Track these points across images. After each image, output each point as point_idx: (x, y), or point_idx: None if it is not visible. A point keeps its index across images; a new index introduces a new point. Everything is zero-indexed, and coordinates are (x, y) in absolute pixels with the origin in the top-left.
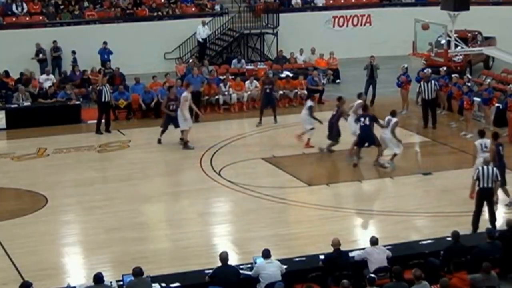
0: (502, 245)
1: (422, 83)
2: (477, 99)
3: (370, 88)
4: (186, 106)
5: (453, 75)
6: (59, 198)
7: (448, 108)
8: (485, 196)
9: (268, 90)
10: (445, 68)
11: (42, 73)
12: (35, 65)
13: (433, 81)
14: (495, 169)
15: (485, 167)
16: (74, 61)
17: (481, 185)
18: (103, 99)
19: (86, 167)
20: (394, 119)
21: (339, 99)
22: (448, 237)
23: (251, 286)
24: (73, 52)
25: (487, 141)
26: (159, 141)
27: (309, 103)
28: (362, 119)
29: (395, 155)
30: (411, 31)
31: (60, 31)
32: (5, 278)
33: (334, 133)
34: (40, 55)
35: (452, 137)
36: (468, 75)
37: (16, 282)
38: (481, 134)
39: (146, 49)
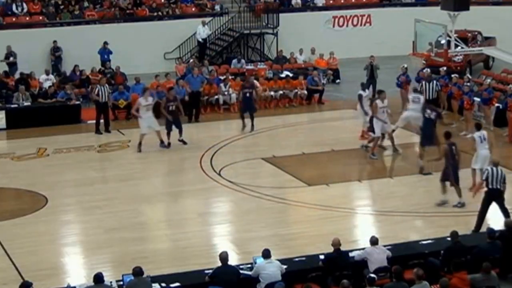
0: (502, 245)
1: (423, 82)
2: (477, 99)
3: (370, 88)
4: (145, 111)
5: (453, 75)
6: (59, 198)
7: (448, 108)
8: (494, 197)
9: (248, 95)
10: (445, 68)
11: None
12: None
13: (435, 81)
14: (503, 170)
15: (494, 168)
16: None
17: (490, 186)
18: (101, 100)
19: (86, 167)
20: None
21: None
22: (448, 237)
23: (251, 286)
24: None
25: (485, 133)
26: (169, 144)
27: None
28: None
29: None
30: (411, 31)
31: (60, 31)
32: (5, 278)
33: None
34: (11, 58)
35: (453, 137)
36: (468, 75)
37: (16, 282)
38: (478, 127)
39: (146, 49)
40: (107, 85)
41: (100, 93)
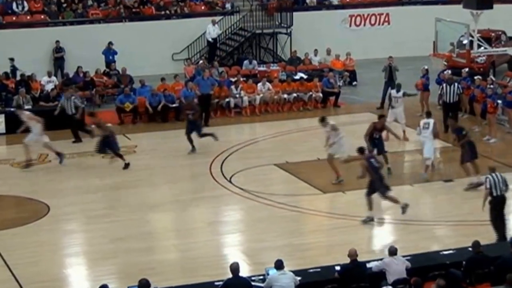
0: None
1: (444, 85)
2: (500, 102)
3: (389, 91)
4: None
5: (475, 77)
6: (62, 206)
7: (470, 111)
8: (501, 204)
9: (190, 117)
10: (467, 69)
11: None
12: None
13: (456, 84)
14: (502, 175)
15: (494, 175)
16: (14, 69)
17: (494, 194)
18: (68, 111)
19: (90, 174)
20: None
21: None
22: (470, 247)
23: None
24: (11, 59)
25: (430, 121)
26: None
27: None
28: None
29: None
30: (432, 30)
31: (62, 31)
32: None
33: None
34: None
35: (475, 142)
36: (492, 76)
37: None
38: (428, 114)
39: (153, 50)
40: (75, 96)
41: (66, 105)
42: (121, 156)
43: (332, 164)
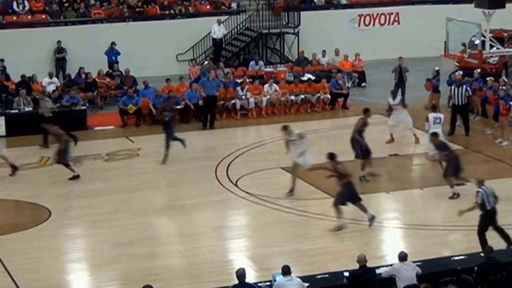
0: None
1: (452, 87)
2: None
3: (399, 92)
4: None
5: (488, 78)
6: (63, 211)
7: (482, 113)
8: (494, 217)
9: (167, 118)
10: (479, 70)
11: None
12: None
13: (464, 86)
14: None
15: (484, 188)
16: (3, 69)
17: (487, 208)
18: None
19: (92, 177)
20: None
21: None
22: (482, 252)
23: None
24: (1, 60)
25: (441, 115)
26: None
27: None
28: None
29: None
30: (443, 30)
31: (64, 31)
32: None
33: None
34: None
35: (486, 144)
36: (504, 77)
37: None
38: (434, 108)
39: (157, 50)
40: (46, 98)
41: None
42: (69, 167)
43: (294, 175)
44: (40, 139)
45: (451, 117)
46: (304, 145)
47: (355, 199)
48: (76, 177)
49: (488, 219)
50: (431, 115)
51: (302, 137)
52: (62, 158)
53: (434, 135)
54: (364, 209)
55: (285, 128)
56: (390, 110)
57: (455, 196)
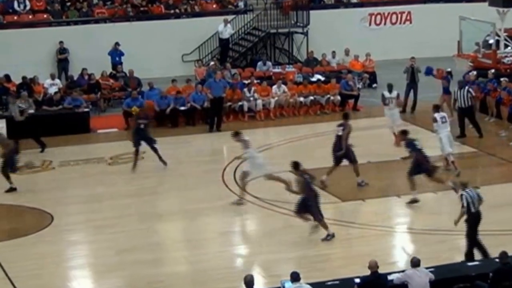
0: None
1: (456, 89)
2: None
3: (411, 93)
4: None
5: (502, 79)
6: (66, 216)
7: (496, 115)
8: (478, 220)
9: (142, 126)
10: (493, 71)
11: None
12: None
13: (466, 87)
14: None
15: (468, 191)
16: None
17: (472, 210)
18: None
19: (96, 182)
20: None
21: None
22: (497, 258)
23: None
24: None
25: (445, 114)
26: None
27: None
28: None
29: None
30: (456, 30)
31: (66, 31)
32: None
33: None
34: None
35: (501, 147)
36: None
37: None
38: (437, 108)
39: (162, 51)
40: (20, 100)
41: (12, 111)
42: (9, 179)
43: (243, 182)
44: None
45: (458, 120)
46: (254, 153)
47: (311, 212)
48: (12, 190)
49: (474, 222)
50: (437, 115)
51: (247, 146)
52: (3, 168)
53: (404, 133)
54: (325, 226)
55: (235, 134)
56: (384, 103)
57: (415, 201)
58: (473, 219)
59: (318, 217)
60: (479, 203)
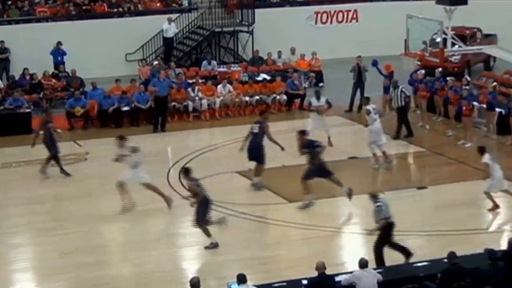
0: (505, 266)
1: (391, 89)
2: (476, 104)
3: (358, 92)
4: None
5: (448, 78)
6: (7, 219)
7: (444, 114)
8: (391, 229)
9: (52, 130)
10: (440, 69)
11: None
12: None
13: (400, 87)
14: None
15: (380, 200)
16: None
17: (389, 219)
18: None
19: (37, 183)
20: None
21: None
22: (445, 258)
23: None
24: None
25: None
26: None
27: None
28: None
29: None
30: (403, 28)
31: (7, 30)
32: None
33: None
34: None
35: (449, 146)
36: (467, 77)
37: None
38: (367, 100)
39: (105, 50)
40: None
41: None
42: None
43: (123, 191)
44: None
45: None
46: (137, 159)
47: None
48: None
49: (390, 229)
50: (370, 107)
51: (136, 150)
52: None
53: (302, 133)
54: (208, 234)
55: (120, 138)
56: (311, 111)
57: (309, 205)
58: (390, 227)
59: (202, 222)
60: (389, 212)
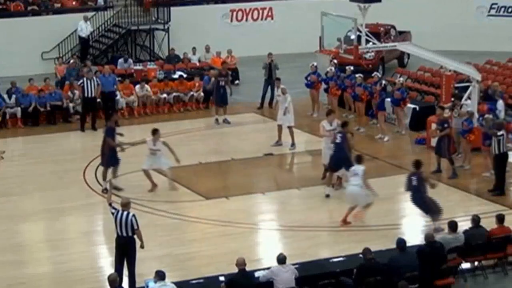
0: (420, 261)
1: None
2: (388, 100)
3: (269, 90)
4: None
5: (356, 75)
6: None
7: (355, 110)
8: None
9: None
10: (352, 67)
11: None
12: None
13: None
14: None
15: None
16: None
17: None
18: None
19: None
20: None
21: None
22: (361, 254)
23: None
24: None
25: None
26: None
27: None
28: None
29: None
30: (318, 25)
31: None
32: None
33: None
34: None
35: (361, 142)
36: (378, 73)
37: None
38: (329, 112)
39: (21, 48)
40: None
41: None
42: None
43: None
44: None
45: None
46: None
47: None
48: None
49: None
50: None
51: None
52: None
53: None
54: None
55: (154, 132)
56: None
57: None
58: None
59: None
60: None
